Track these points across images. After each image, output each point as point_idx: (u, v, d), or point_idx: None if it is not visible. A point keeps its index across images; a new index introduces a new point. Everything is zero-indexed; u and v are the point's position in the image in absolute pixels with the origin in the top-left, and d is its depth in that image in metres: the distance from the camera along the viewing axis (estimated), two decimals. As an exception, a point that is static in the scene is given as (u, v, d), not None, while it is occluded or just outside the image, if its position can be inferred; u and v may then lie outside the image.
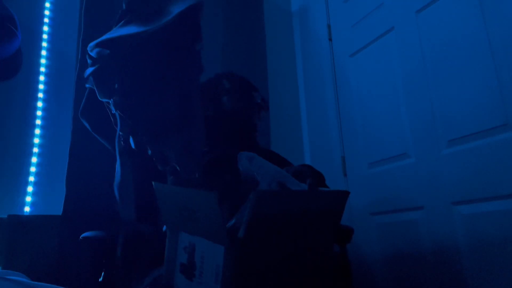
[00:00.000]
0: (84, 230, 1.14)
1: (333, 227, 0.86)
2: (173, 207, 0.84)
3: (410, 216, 1.47)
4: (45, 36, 1.66)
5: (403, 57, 1.55)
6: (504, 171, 1.17)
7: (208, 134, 1.08)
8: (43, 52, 1.64)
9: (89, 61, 1.04)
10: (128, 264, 0.98)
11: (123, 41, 0.97)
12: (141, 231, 1.02)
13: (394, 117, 1.57)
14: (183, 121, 0.99)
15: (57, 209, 1.39)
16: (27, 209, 1.46)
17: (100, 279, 1.08)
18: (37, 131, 1.55)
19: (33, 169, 1.51)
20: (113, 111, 1.00)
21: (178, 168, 0.98)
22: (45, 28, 1.66)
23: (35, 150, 1.53)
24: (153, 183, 0.85)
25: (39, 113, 1.57)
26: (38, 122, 1.56)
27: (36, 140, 1.54)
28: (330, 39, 1.99)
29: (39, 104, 1.58)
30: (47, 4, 1.69)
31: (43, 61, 1.63)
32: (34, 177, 1.51)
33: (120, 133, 1.02)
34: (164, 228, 0.91)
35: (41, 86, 1.60)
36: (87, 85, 1.07)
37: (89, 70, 1.02)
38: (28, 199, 1.47)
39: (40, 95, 1.59)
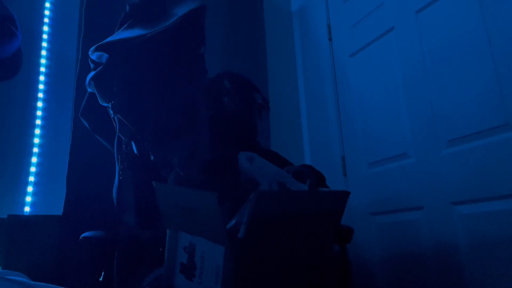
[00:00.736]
0: (84, 230, 1.14)
1: (334, 227, 0.86)
2: (173, 207, 0.84)
3: (410, 216, 1.47)
4: (45, 36, 1.66)
5: (403, 57, 1.55)
6: (504, 171, 1.17)
7: (209, 134, 1.08)
8: (43, 52, 1.64)
9: (91, 65, 1.03)
10: (127, 270, 0.98)
11: (123, 44, 0.96)
12: (140, 238, 1.02)
13: (394, 117, 1.57)
14: (187, 126, 0.98)
15: (57, 209, 1.39)
16: (27, 209, 1.46)
17: (100, 279, 1.08)
18: (37, 131, 1.55)
19: (33, 169, 1.51)
20: (112, 115, 0.99)
21: (181, 173, 0.98)
22: (45, 28, 1.66)
23: (35, 150, 1.53)
24: (153, 183, 0.85)
25: (39, 113, 1.57)
26: (38, 122, 1.56)
27: (36, 140, 1.54)
28: (330, 39, 1.99)
29: (39, 104, 1.58)
30: (47, 4, 1.69)
31: (43, 61, 1.63)
32: (34, 177, 1.50)
33: (121, 136, 1.01)
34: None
35: (41, 86, 1.60)
36: (89, 89, 1.06)
37: (90, 74, 1.02)
38: (28, 199, 1.47)
39: (40, 95, 1.59)
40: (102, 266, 1.10)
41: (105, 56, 0.97)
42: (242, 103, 1.27)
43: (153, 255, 0.97)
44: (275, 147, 1.80)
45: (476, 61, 1.28)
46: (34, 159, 1.52)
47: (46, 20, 1.67)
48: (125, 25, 1.03)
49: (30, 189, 1.49)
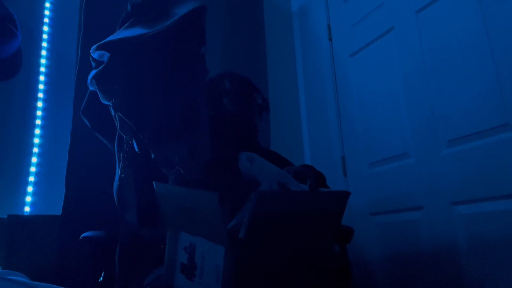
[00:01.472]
0: (84, 230, 1.14)
1: (334, 228, 0.86)
2: (173, 207, 0.84)
3: (410, 216, 1.47)
4: (45, 36, 1.66)
5: (403, 57, 1.55)
6: (504, 171, 1.17)
7: (209, 134, 1.08)
8: (43, 52, 1.64)
9: (93, 63, 1.04)
10: (127, 269, 0.98)
11: (124, 43, 0.97)
12: (140, 236, 1.02)
13: (394, 117, 1.57)
14: (187, 125, 0.98)
15: (57, 209, 1.39)
16: (27, 209, 1.46)
17: (100, 279, 1.08)
18: (37, 131, 1.55)
19: (33, 169, 1.51)
20: (113, 113, 0.99)
21: (182, 171, 0.98)
22: (45, 28, 1.66)
23: (35, 150, 1.53)
24: (153, 183, 0.85)
25: (39, 113, 1.57)
26: (38, 122, 1.56)
27: (36, 140, 1.54)
28: (330, 39, 1.99)
29: (39, 104, 1.58)
30: (47, 4, 1.69)
31: (43, 61, 1.63)
32: (34, 177, 1.51)
33: (122, 134, 1.02)
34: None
35: (41, 86, 1.60)
36: (90, 88, 1.06)
37: (92, 73, 1.02)
38: (28, 199, 1.47)
39: (40, 95, 1.59)
40: (102, 266, 1.10)
41: (106, 55, 0.98)
42: (242, 104, 1.27)
43: (154, 253, 0.97)
44: (275, 147, 1.80)
45: (476, 61, 1.28)
46: (34, 159, 1.52)
47: (46, 20, 1.67)
48: (126, 24, 1.04)
49: (30, 189, 1.49)
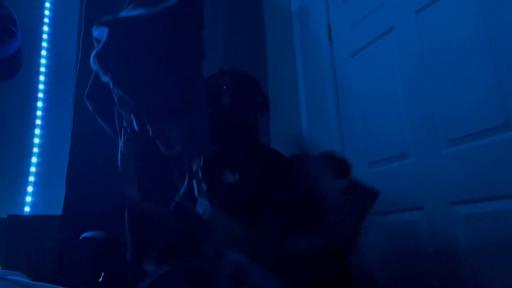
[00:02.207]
0: (84, 230, 1.14)
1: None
2: None
3: (410, 216, 1.47)
4: (45, 36, 1.66)
5: (403, 57, 1.55)
6: (504, 171, 1.17)
7: (209, 131, 1.08)
8: (43, 52, 1.64)
9: (95, 43, 1.05)
10: (138, 243, 0.97)
11: (122, 21, 0.99)
12: (146, 210, 1.02)
13: (394, 117, 1.57)
14: (184, 105, 0.99)
15: (57, 209, 1.39)
16: (27, 209, 1.46)
17: (100, 279, 1.08)
18: (37, 131, 1.55)
19: (33, 169, 1.51)
20: (112, 87, 1.00)
21: (180, 149, 0.98)
22: (45, 28, 1.66)
23: (35, 150, 1.53)
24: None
25: (39, 113, 1.57)
26: (38, 122, 1.56)
27: (36, 140, 1.54)
28: (330, 39, 1.99)
29: (39, 104, 1.58)
30: (47, 4, 1.69)
31: (43, 61, 1.63)
32: (34, 177, 1.51)
33: (120, 110, 1.02)
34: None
35: (41, 86, 1.60)
36: (93, 67, 1.08)
37: (93, 52, 1.03)
38: (28, 199, 1.47)
39: (40, 95, 1.59)
40: (102, 266, 1.10)
41: (105, 31, 0.99)
42: (243, 102, 1.27)
43: (163, 229, 0.97)
44: (275, 147, 1.80)
45: (476, 61, 1.28)
46: (34, 159, 1.52)
47: (46, 20, 1.67)
48: (130, 6, 1.05)
49: (30, 189, 1.49)
